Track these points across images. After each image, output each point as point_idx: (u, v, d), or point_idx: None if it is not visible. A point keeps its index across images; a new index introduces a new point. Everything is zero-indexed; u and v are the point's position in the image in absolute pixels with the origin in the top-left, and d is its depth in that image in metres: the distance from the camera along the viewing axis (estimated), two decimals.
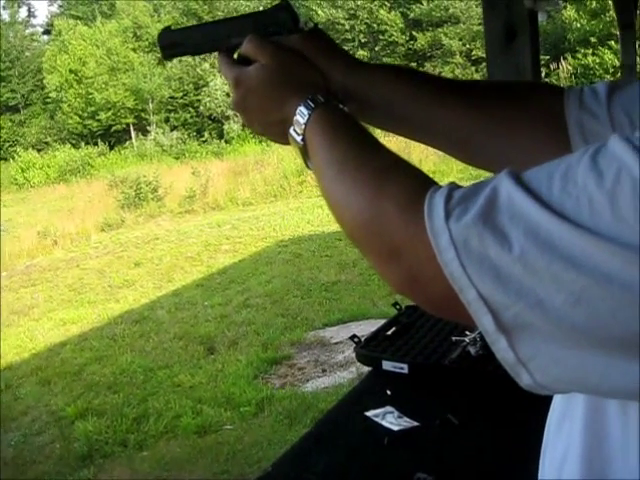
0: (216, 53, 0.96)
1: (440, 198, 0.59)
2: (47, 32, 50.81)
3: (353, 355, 6.10)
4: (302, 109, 0.81)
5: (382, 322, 2.33)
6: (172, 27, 0.98)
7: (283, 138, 0.86)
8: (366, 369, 2.12)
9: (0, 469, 5.10)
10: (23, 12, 53.77)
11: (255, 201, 17.53)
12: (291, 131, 0.83)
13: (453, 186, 0.60)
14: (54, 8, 55.29)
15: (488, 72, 2.41)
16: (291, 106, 0.83)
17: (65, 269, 12.76)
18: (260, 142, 28.98)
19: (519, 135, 0.90)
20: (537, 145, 0.88)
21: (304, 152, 0.82)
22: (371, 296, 7.91)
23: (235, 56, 0.92)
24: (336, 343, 6.61)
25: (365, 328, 6.11)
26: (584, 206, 0.51)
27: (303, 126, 0.81)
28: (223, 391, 5.89)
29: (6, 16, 48.94)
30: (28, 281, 12.27)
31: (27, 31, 49.98)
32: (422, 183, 0.63)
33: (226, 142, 31.63)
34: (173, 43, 0.98)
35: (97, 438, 5.33)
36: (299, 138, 0.82)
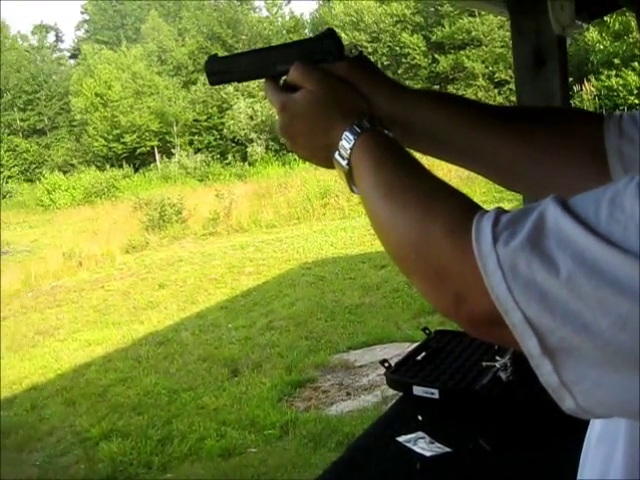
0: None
1: (487, 222, 0.59)
2: (74, 56, 51.79)
3: (378, 379, 6.01)
4: (348, 134, 0.83)
5: (408, 345, 2.33)
6: (218, 55, 1.01)
7: (328, 162, 0.88)
8: (391, 392, 2.11)
9: None
10: (51, 37, 54.81)
11: (278, 223, 17.59)
12: (336, 156, 0.84)
13: (500, 211, 0.61)
14: (81, 33, 56.34)
15: (517, 98, 2.41)
16: (337, 131, 0.84)
17: (90, 290, 12.86)
18: (283, 165, 29.17)
19: (559, 162, 0.91)
20: (577, 172, 0.89)
21: (349, 176, 0.83)
22: (395, 319, 7.89)
23: (280, 83, 0.94)
24: (360, 366, 6.58)
25: (390, 351, 6.08)
26: (632, 232, 0.51)
27: (349, 151, 0.82)
28: (247, 414, 5.87)
29: (34, 41, 49.97)
30: (53, 302, 12.38)
31: (54, 55, 51.03)
32: (469, 207, 0.64)
33: (249, 165, 31.86)
34: (220, 70, 1.01)
35: (121, 459, 5.35)
36: (344, 162, 0.83)
